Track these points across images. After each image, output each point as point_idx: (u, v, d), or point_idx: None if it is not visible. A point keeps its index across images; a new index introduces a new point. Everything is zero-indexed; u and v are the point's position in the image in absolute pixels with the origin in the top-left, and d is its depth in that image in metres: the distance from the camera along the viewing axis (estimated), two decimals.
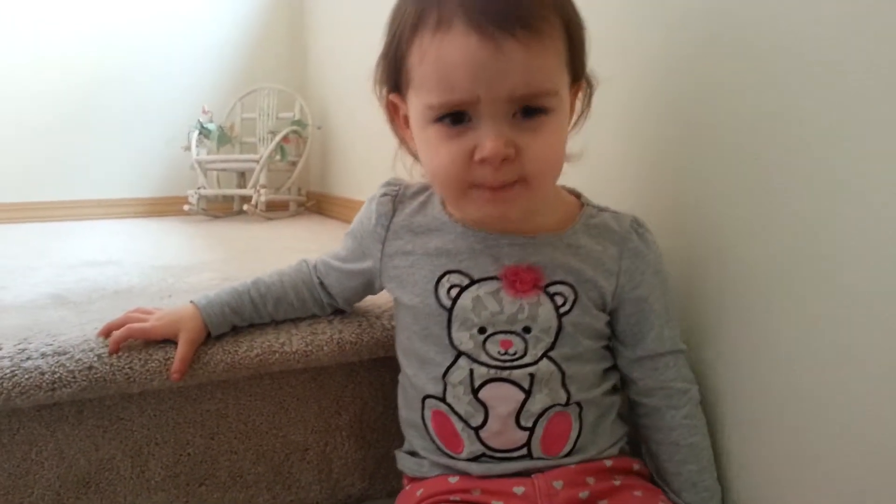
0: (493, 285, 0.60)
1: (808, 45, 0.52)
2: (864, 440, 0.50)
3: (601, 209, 0.65)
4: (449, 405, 0.62)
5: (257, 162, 1.98)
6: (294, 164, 2.10)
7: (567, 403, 0.61)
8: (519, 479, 0.61)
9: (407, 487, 0.67)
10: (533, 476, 0.60)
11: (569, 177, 0.62)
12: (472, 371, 0.60)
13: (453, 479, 0.62)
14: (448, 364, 0.61)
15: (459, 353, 0.61)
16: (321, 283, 0.74)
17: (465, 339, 0.61)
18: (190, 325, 0.68)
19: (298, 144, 2.12)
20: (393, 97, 0.60)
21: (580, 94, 0.60)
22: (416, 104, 0.55)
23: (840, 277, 0.50)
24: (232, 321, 0.71)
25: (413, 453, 0.68)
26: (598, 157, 0.69)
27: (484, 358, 0.60)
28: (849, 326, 0.50)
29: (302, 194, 2.24)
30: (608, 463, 0.63)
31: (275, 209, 2.09)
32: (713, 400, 0.65)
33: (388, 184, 0.67)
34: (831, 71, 0.50)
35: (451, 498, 0.61)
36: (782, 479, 0.57)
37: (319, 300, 0.75)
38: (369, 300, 0.79)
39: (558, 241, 0.61)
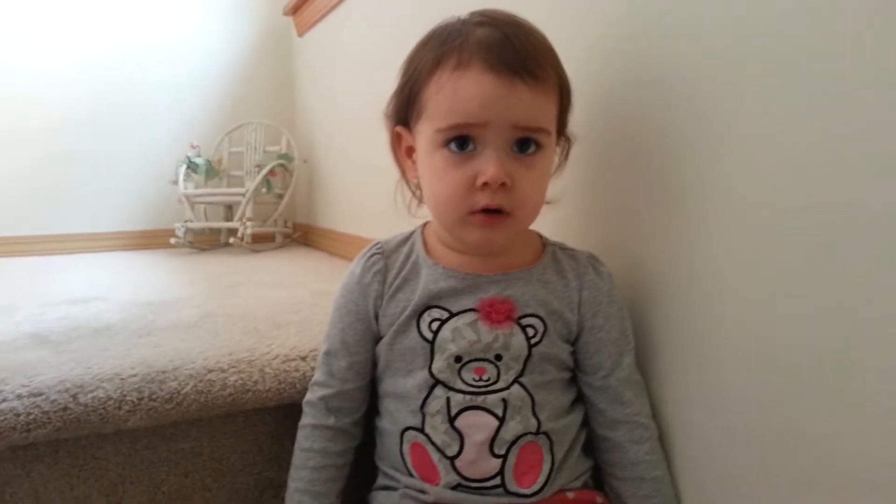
0: (470, 316, 0.65)
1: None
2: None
3: (562, 247, 0.70)
4: (427, 435, 0.65)
5: (244, 195, 2.00)
6: (280, 196, 2.13)
7: (538, 432, 0.64)
8: None
9: None
10: None
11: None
12: (448, 399, 0.64)
13: None
14: (425, 395, 0.65)
15: (436, 383, 0.64)
16: (332, 409, 0.71)
17: (442, 367, 0.64)
18: None
19: (285, 177, 2.15)
20: (399, 129, 0.67)
21: (558, 149, 0.68)
22: (427, 130, 0.62)
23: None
24: None
25: (386, 487, 0.69)
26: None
27: (460, 385, 0.64)
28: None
29: (288, 226, 2.26)
30: (570, 495, 0.65)
31: (261, 241, 2.11)
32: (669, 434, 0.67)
33: (370, 246, 0.71)
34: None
35: None
36: None
37: (347, 432, 0.72)
38: None
39: (529, 276, 0.66)
